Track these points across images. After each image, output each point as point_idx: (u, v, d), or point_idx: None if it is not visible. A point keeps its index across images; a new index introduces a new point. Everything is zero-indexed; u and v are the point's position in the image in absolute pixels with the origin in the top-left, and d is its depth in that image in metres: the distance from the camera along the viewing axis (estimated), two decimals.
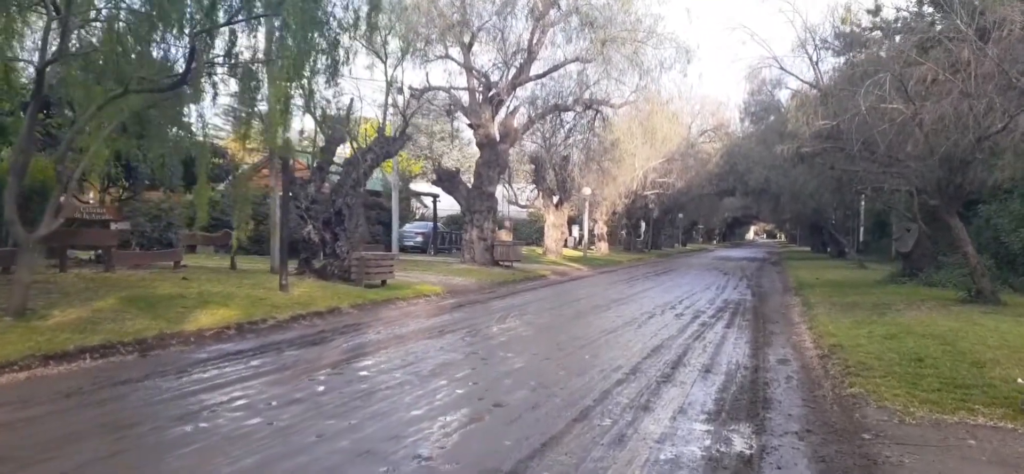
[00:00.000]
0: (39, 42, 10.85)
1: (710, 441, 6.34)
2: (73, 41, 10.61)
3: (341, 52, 12.65)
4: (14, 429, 6.23)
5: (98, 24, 11.17)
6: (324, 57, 12.38)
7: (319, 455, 5.70)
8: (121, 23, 10.50)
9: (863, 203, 36.38)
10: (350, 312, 14.46)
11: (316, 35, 11.76)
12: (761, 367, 9.86)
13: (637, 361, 9.88)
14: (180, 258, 18.57)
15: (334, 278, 17.60)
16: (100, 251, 16.73)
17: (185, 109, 13.64)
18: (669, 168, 46.30)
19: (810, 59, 21.29)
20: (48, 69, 10.37)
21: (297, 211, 18.22)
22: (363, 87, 75.20)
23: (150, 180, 19.64)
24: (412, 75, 76.97)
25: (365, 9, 13.59)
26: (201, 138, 15.04)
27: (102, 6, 10.58)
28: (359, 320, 13.57)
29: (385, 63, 19.92)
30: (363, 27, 13.66)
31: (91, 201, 19.25)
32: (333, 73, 12.45)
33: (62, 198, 11.06)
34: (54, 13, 9.82)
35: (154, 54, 11.09)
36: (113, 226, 17.24)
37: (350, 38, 14.30)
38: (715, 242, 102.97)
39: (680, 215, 68.69)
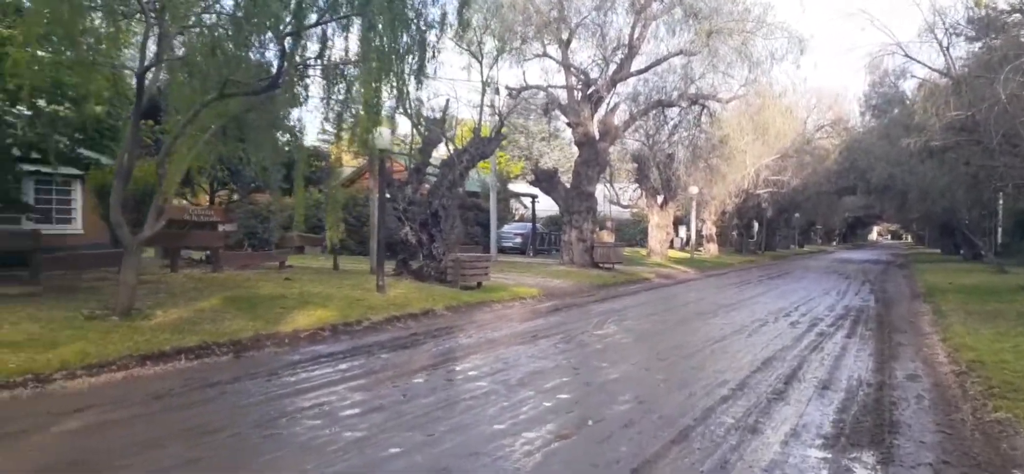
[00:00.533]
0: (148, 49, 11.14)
1: (827, 472, 5.55)
2: (172, 46, 10.79)
3: (430, 51, 12.35)
4: (98, 432, 6.22)
5: (197, 30, 11.35)
6: (413, 57, 12.13)
7: (392, 471, 5.34)
8: (217, 28, 10.59)
9: (1002, 201, 33.26)
10: (444, 314, 14.23)
11: (405, 35, 11.53)
12: (887, 384, 8.82)
13: (745, 375, 9.06)
14: (285, 259, 18.99)
15: (431, 279, 17.47)
16: (209, 252, 17.28)
17: (283, 112, 13.75)
18: (783, 165, 44.07)
19: (940, 45, 19.51)
20: (148, 75, 10.57)
21: (395, 213, 18.24)
22: (459, 88, 76.10)
23: (256, 183, 20.21)
24: (508, 74, 77.20)
25: (455, 6, 13.26)
26: (301, 141, 15.22)
27: (198, 11, 10.70)
28: (452, 323, 13.30)
29: (481, 63, 19.70)
30: (454, 25, 13.35)
31: (201, 204, 19.97)
32: (420, 72, 12.19)
33: (163, 201, 11.27)
34: (153, 19, 9.98)
35: (249, 58, 11.14)
36: (220, 228, 17.78)
37: (440, 37, 14.11)
38: (835, 243, 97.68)
39: (796, 215, 65.45)
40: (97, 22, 11.10)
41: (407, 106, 15.82)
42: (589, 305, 17.20)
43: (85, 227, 17.19)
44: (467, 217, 27.50)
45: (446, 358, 9.87)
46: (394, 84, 13.19)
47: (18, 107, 12.34)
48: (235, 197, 21.55)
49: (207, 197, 20.13)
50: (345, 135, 14.00)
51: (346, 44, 12.29)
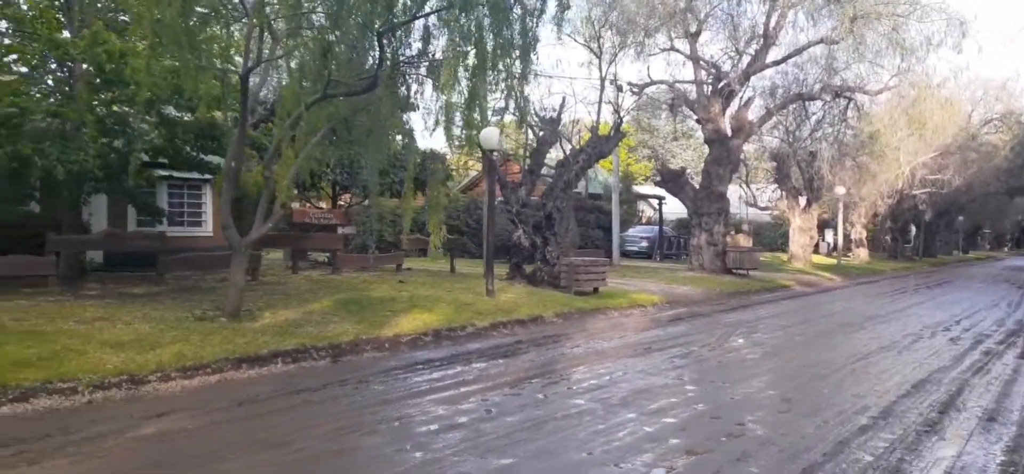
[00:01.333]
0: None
1: None
2: (271, 48, 10.75)
3: (536, 47, 11.69)
4: (169, 439, 6.00)
5: (304, 31, 11.28)
6: (515, 52, 11.54)
7: None
8: (317, 27, 10.45)
9: None
10: (553, 321, 13.52)
11: (509, 29, 10.95)
12: None
13: (891, 400, 7.73)
14: (401, 261, 18.98)
15: (544, 284, 16.83)
16: (329, 254, 17.51)
17: (390, 114, 13.50)
18: (943, 163, 39.90)
19: None
20: (251, 77, 10.57)
21: (508, 215, 17.76)
22: (578, 86, 74.69)
23: (379, 186, 20.34)
24: (629, 70, 75.22)
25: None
26: (415, 143, 15.05)
27: (302, 11, 10.60)
28: (560, 331, 12.58)
29: (599, 58, 18.87)
30: (560, 17, 12.63)
31: (323, 207, 20.36)
32: (524, 68, 11.57)
33: (270, 204, 11.27)
34: (256, 22, 9.94)
35: (352, 57, 10.93)
36: (340, 231, 17.98)
37: (558, 33, 13.48)
38: (1006, 250, 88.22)
39: (959, 218, 59.45)
40: (215, 30, 11.35)
41: (517, 105, 15.33)
42: (716, 315, 15.93)
43: (215, 229, 17.88)
44: (587, 220, 26.65)
45: (545, 370, 9.16)
46: (503, 81, 12.71)
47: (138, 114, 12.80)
48: (357, 201, 21.85)
49: (330, 200, 20.52)
50: (454, 136, 13.65)
51: (450, 40, 11.89)
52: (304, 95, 10.72)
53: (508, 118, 15.96)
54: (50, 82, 12.76)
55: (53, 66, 12.58)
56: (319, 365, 9.23)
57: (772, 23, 23.81)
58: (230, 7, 10.29)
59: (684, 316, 15.36)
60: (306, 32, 10.35)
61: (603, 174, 34.40)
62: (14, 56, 12.08)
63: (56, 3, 12.64)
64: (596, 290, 16.93)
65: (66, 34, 12.46)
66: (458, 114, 12.90)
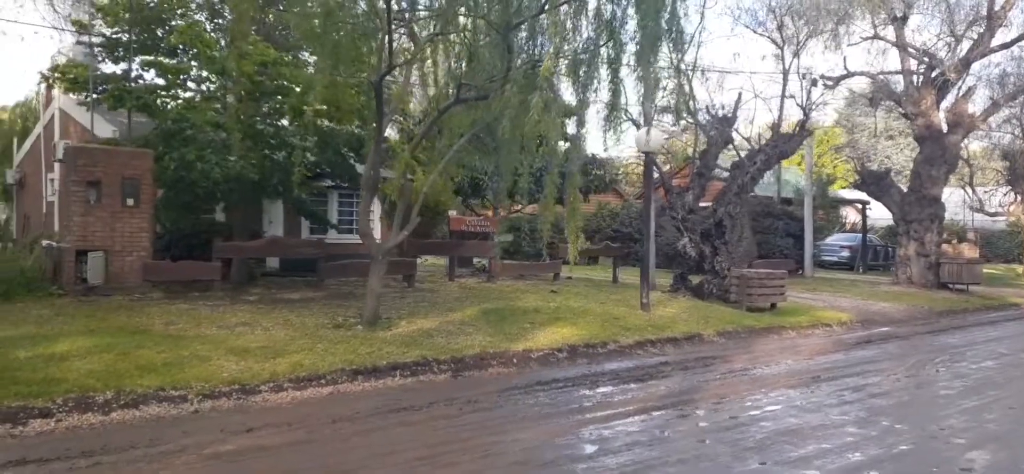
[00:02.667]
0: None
1: None
2: (410, 54, 10.51)
3: (710, 40, 10.50)
4: (242, 459, 5.74)
5: (440, 36, 10.98)
6: (670, 44, 10.43)
7: None
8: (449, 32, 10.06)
9: None
10: (713, 341, 12.15)
11: (653, 21, 9.89)
12: None
13: None
14: (560, 269, 18.31)
15: (711, 298, 15.37)
16: (485, 262, 17.26)
17: (544, 116, 12.83)
18: None
19: None
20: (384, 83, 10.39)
21: (673, 222, 16.48)
22: (758, 82, 69.10)
23: (534, 193, 19.81)
24: (819, 62, 68.50)
25: None
26: (581, 146, 14.31)
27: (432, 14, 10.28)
28: (717, 352, 11.21)
29: (782, 49, 17.02)
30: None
31: (484, 214, 20.17)
32: (677, 63, 10.42)
33: (406, 210, 11.07)
34: (387, 27, 9.72)
35: (484, 59, 10.43)
36: (496, 238, 17.66)
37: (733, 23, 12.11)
38: None
39: None
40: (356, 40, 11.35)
41: (676, 102, 14.07)
42: (916, 337, 13.63)
43: (383, 236, 18.31)
44: (775, 227, 24.35)
45: (680, 400, 8.01)
46: (658, 77, 11.66)
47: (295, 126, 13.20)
48: (517, 208, 21.52)
49: (494, 208, 20.31)
50: (610, 136, 12.76)
51: (591, 34, 11.00)
52: (437, 100, 10.41)
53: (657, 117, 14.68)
54: (212, 95, 13.53)
55: (213, 80, 13.33)
56: (438, 379, 8.76)
57: (998, 3, 20.35)
58: (366, 14, 10.12)
59: (875, 338, 13.24)
60: (442, 36, 9.96)
61: (796, 176, 31.56)
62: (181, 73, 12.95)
63: (216, 21, 13.44)
64: (773, 306, 15.17)
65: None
66: (609, 113, 12.04)
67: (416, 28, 10.93)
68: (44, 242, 12.45)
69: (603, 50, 10.29)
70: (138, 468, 5.41)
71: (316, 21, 9.58)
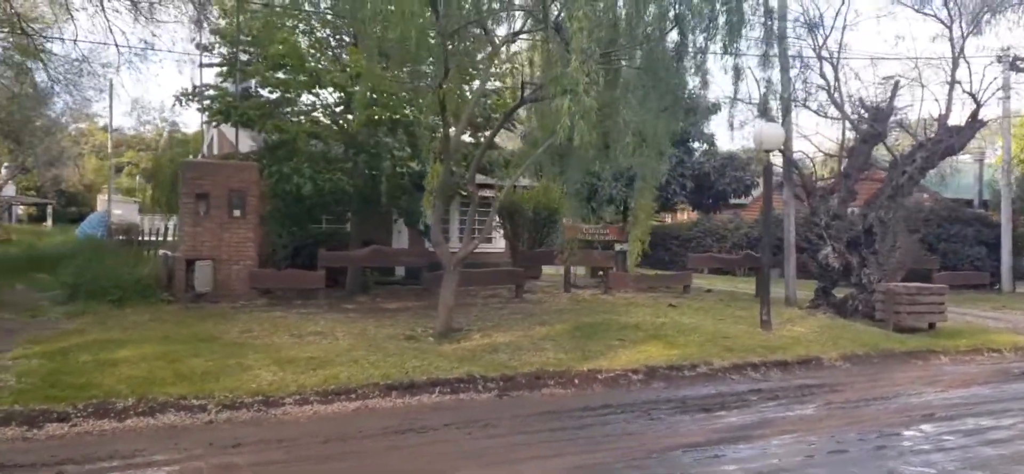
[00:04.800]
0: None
1: None
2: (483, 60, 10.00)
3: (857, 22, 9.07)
4: None
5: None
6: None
7: None
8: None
9: None
10: (833, 366, 10.42)
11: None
12: None
13: None
14: (689, 282, 16.90)
15: (856, 315, 13.36)
16: (601, 272, 16.34)
17: (658, 116, 11.70)
18: None
19: None
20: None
21: (814, 229, 14.58)
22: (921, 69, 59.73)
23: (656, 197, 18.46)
24: (1004, 40, 57.44)
25: None
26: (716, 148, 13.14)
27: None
28: (829, 380, 9.56)
29: (950, 28, 14.55)
30: None
31: (603, 221, 19.09)
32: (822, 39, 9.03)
33: (483, 221, 10.54)
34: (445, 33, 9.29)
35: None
36: (617, 247, 16.66)
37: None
38: None
39: None
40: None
41: (833, 90, 12.35)
42: None
43: (505, 245, 18.01)
44: (963, 235, 20.95)
45: (734, 437, 6.78)
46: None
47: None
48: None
49: (623, 216, 19.20)
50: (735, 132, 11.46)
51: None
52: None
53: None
54: (313, 107, 13.87)
55: (311, 94, 13.66)
56: (479, 399, 8.14)
57: None
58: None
59: None
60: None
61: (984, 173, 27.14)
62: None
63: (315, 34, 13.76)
64: (931, 326, 12.85)
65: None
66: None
67: (488, 28, 10.38)
68: (161, 252, 13.39)
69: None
70: None
71: (376, 28, 9.34)
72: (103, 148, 43.32)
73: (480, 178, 15.98)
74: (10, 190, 44.94)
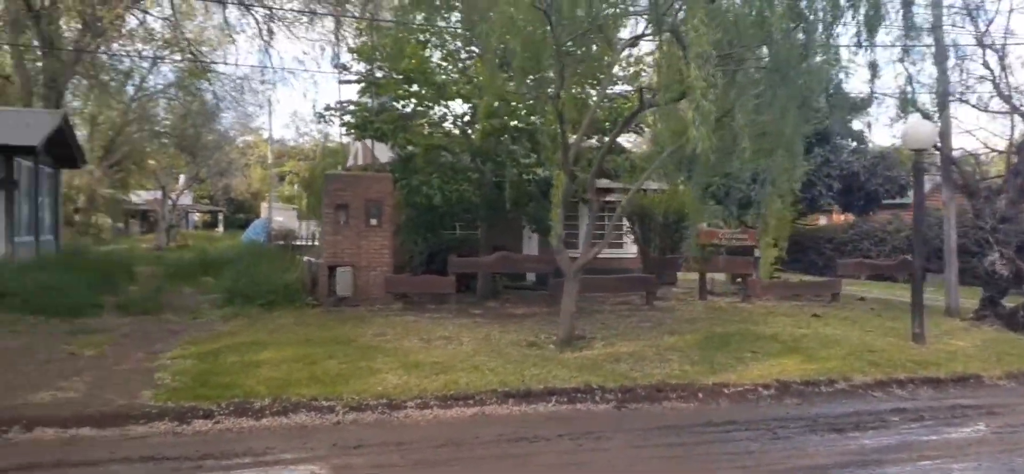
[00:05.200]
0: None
1: None
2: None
3: None
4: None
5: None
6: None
7: None
8: None
9: None
10: (995, 385, 9.43)
11: None
12: None
13: None
14: (837, 288, 15.86)
15: None
16: (739, 278, 15.69)
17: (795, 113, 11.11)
18: None
19: None
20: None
21: (980, 233, 13.28)
22: None
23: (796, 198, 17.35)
24: None
25: None
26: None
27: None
28: (997, 401, 8.66)
29: None
30: None
31: (744, 224, 18.21)
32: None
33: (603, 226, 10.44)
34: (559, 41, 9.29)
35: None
36: (756, 252, 15.94)
37: None
38: None
39: None
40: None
41: (996, 83, 11.24)
42: None
43: (637, 251, 17.72)
44: None
45: (873, 460, 6.31)
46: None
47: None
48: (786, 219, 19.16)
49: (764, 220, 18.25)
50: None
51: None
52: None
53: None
54: (443, 119, 14.26)
55: (440, 106, 14.05)
56: (595, 410, 8.05)
57: None
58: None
59: None
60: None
61: None
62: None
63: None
64: None
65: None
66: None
67: (609, 34, 10.25)
68: (306, 258, 14.27)
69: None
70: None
71: (495, 40, 9.48)
72: (267, 158, 46.89)
73: (607, 183, 15.86)
74: (187, 199, 49.74)
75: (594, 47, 10.59)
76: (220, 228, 57.23)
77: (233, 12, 23.61)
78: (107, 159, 37.15)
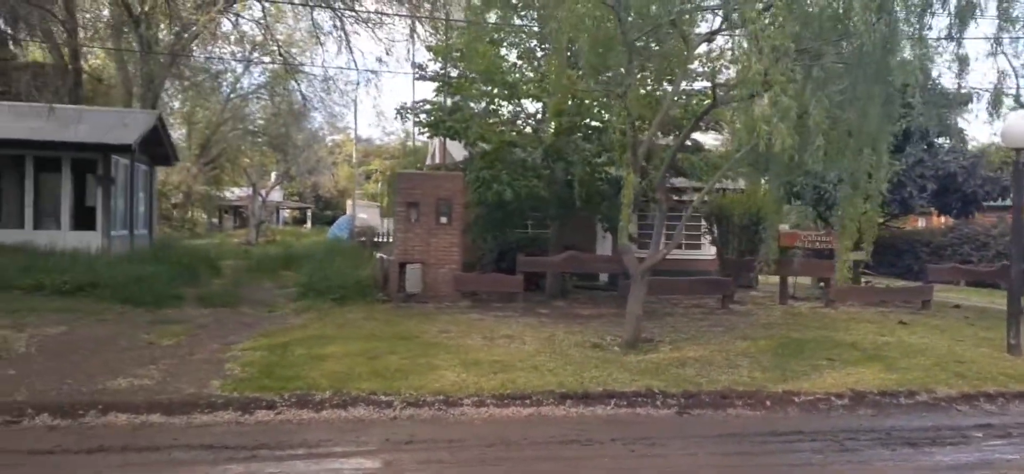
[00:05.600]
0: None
1: None
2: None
3: None
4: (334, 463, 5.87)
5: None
6: None
7: None
8: None
9: None
10: None
11: None
12: None
13: None
14: (929, 294, 14.99)
15: None
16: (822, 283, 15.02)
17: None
18: None
19: None
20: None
21: None
22: None
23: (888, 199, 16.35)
24: None
25: None
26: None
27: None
28: None
29: None
30: None
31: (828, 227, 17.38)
32: None
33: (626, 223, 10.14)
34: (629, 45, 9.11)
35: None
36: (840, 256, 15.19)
37: None
38: None
39: None
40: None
41: None
42: None
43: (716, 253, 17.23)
44: None
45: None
46: None
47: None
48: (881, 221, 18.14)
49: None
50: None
51: None
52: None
53: None
54: (516, 117, 14.23)
55: (512, 104, 14.01)
56: (656, 414, 7.84)
57: None
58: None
59: None
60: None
61: None
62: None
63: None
64: None
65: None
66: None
67: (684, 29, 9.97)
68: (378, 255, 14.51)
69: None
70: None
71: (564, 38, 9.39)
72: (352, 157, 48.20)
73: (686, 183, 15.47)
74: (277, 196, 51.72)
75: (670, 43, 10.31)
76: (308, 224, 59.18)
77: (322, 15, 24.36)
78: (203, 156, 39.09)
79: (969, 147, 16.30)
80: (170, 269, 14.12)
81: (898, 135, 13.40)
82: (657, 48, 10.03)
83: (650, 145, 10.75)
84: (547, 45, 14.86)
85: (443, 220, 13.47)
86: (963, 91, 16.30)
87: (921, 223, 29.82)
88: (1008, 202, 23.23)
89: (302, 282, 13.87)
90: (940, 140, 16.88)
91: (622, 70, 9.76)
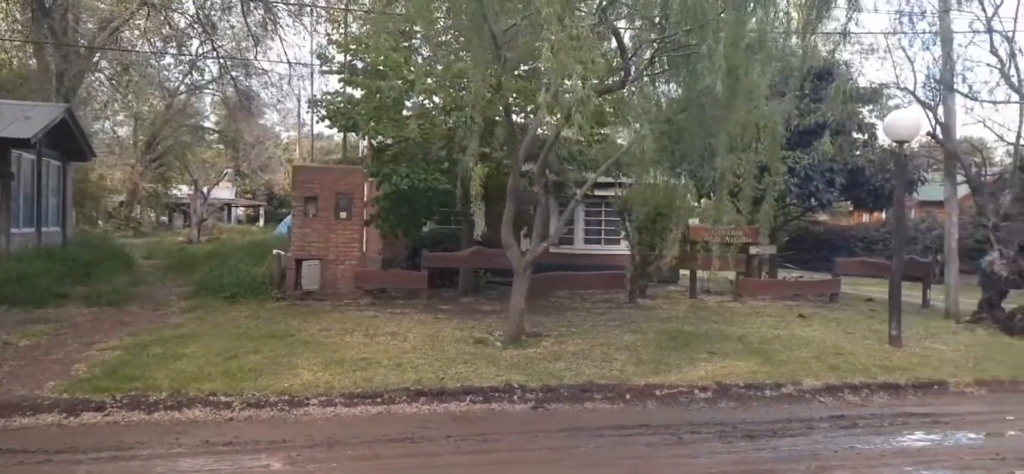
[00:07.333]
0: None
1: None
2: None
3: None
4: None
5: None
6: None
7: None
8: None
9: None
10: (965, 393, 8.69)
11: None
12: None
13: None
14: (836, 288, 15.05)
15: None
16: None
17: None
18: None
19: None
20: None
21: (982, 231, 12.36)
22: None
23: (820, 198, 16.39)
24: None
25: None
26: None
27: None
28: (954, 410, 7.98)
29: None
30: None
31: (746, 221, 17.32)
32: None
33: (548, 221, 10.04)
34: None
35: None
36: (752, 250, 15.22)
37: None
38: None
39: None
40: None
41: (1005, 71, 10.36)
42: None
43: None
44: None
45: (764, 471, 5.78)
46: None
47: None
48: (789, 216, 18.23)
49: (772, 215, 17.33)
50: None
51: None
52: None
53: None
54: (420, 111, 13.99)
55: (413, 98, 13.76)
56: (511, 410, 7.68)
57: None
58: None
59: None
60: None
61: None
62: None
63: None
64: None
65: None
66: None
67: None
68: (275, 251, 14.18)
69: None
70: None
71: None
72: (308, 155, 47.45)
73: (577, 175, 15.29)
74: (229, 193, 50.86)
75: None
76: (261, 223, 58.22)
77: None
78: (149, 153, 38.24)
79: (879, 142, 16.36)
80: (63, 268, 13.65)
81: (796, 127, 13.42)
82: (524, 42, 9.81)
83: (533, 137, 10.57)
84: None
85: (343, 215, 13.17)
86: (873, 87, 16.49)
87: (865, 218, 30.18)
88: (927, 198, 23.70)
89: (197, 280, 13.49)
90: (857, 135, 16.95)
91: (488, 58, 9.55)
